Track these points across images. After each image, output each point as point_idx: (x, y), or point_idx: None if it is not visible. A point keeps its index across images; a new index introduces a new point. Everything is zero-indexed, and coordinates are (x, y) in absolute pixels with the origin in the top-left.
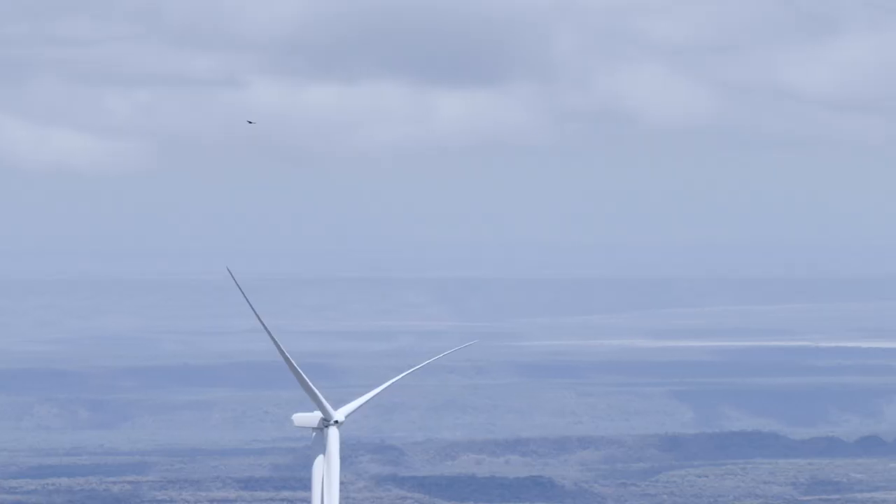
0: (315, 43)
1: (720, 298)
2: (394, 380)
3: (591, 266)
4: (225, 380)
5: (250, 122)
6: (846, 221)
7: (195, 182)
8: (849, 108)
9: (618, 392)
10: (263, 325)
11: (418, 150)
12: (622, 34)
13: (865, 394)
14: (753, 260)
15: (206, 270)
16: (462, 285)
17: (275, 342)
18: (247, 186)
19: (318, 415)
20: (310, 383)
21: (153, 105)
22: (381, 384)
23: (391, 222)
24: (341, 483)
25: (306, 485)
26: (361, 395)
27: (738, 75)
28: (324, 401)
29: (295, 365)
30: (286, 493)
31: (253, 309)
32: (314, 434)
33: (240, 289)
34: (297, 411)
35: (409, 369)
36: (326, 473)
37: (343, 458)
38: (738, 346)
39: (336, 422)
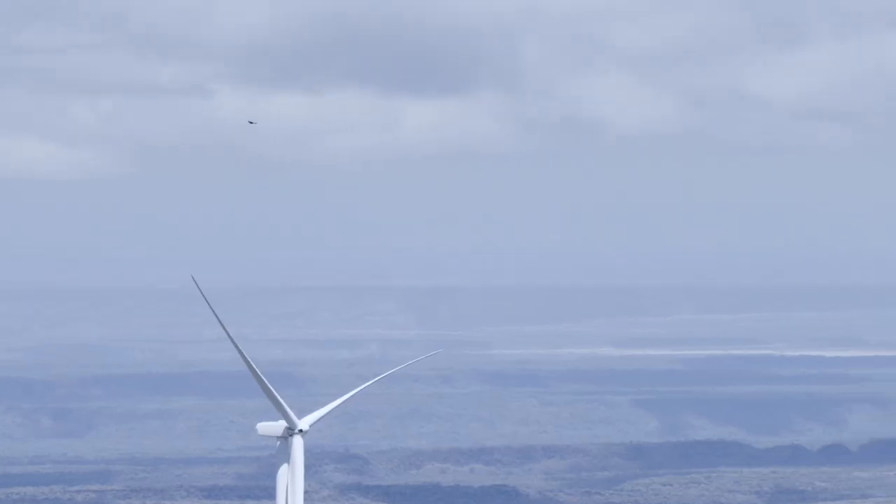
0: (281, 51)
1: (685, 307)
2: (358, 389)
3: (555, 274)
4: (190, 388)
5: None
6: (812, 230)
7: (161, 190)
8: (815, 116)
9: (582, 401)
10: (228, 333)
11: (385, 158)
12: (588, 42)
13: (829, 402)
14: (718, 269)
15: (171, 279)
16: (427, 294)
17: (239, 351)
18: (212, 195)
19: (282, 424)
20: (274, 392)
21: (119, 113)
22: (345, 393)
23: (357, 231)
24: (305, 492)
25: (271, 494)
26: (326, 403)
27: (704, 83)
28: (288, 410)
29: (259, 374)
30: (250, 502)
31: (217, 317)
32: (278, 443)
33: (204, 297)
34: (261, 420)
35: (373, 378)
36: (291, 482)
37: (307, 467)
38: (703, 355)
39: (300, 430)
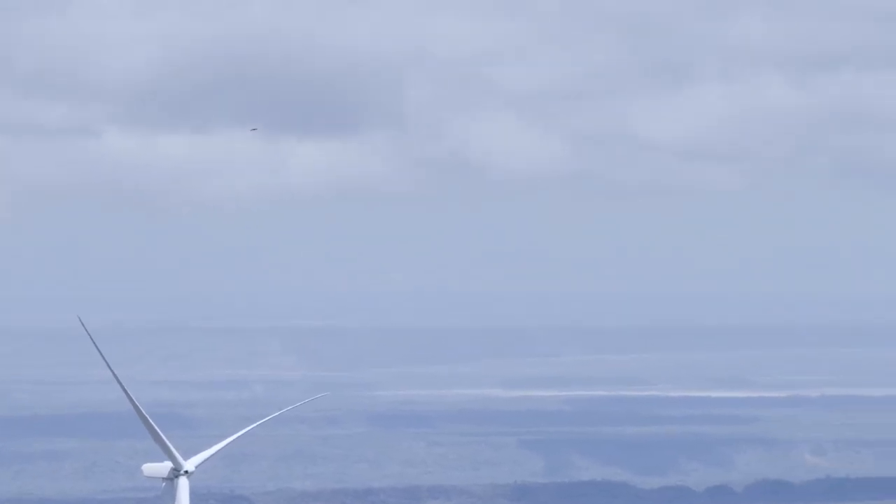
0: (168, 92)
1: (571, 348)
2: (244, 430)
3: (442, 315)
4: (76, 430)
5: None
6: (699, 271)
7: (47, 230)
8: (701, 157)
9: (468, 442)
10: (114, 374)
11: (272, 198)
12: (474, 83)
13: (715, 443)
14: (605, 310)
15: (57, 319)
16: (314, 335)
17: (125, 392)
18: (99, 235)
19: (168, 465)
20: (160, 433)
21: (5, 153)
22: (231, 434)
23: (243, 272)
24: None
25: None
26: (211, 445)
27: (590, 124)
28: (174, 451)
29: (145, 415)
30: None
31: (104, 358)
32: (164, 484)
33: (91, 338)
34: (147, 461)
35: (260, 419)
36: None
37: None
38: (589, 396)
39: (186, 472)
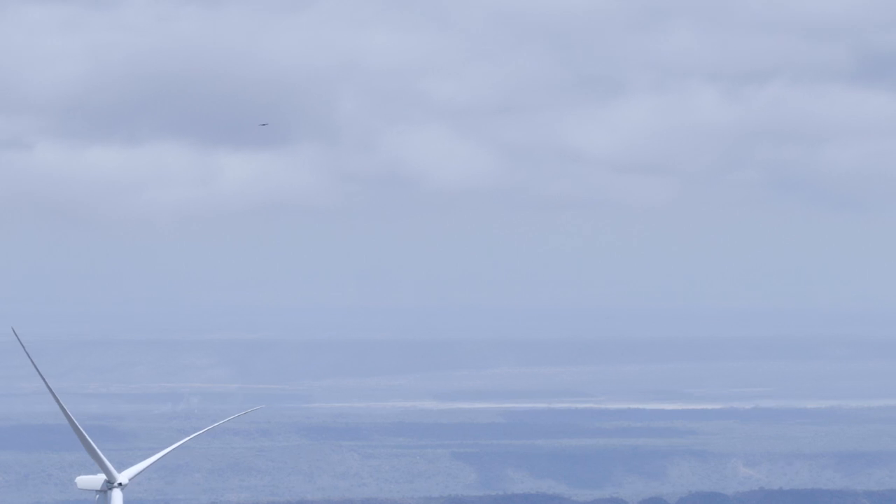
0: (98, 104)
1: (505, 360)
2: (178, 443)
3: (375, 328)
4: (8, 442)
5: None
6: (630, 283)
7: None
8: (632, 169)
9: (402, 454)
10: (48, 386)
11: (202, 212)
12: (406, 96)
13: (650, 455)
14: (539, 322)
15: None
16: (247, 347)
17: (59, 404)
18: (30, 248)
19: (101, 477)
20: (94, 445)
21: None
22: (165, 447)
23: (176, 284)
24: None
25: None
26: (145, 457)
27: (522, 137)
28: (107, 463)
29: (79, 427)
30: None
31: (38, 370)
32: (97, 496)
33: (24, 350)
34: (80, 473)
35: (194, 432)
36: None
37: None
38: (523, 408)
39: (120, 484)
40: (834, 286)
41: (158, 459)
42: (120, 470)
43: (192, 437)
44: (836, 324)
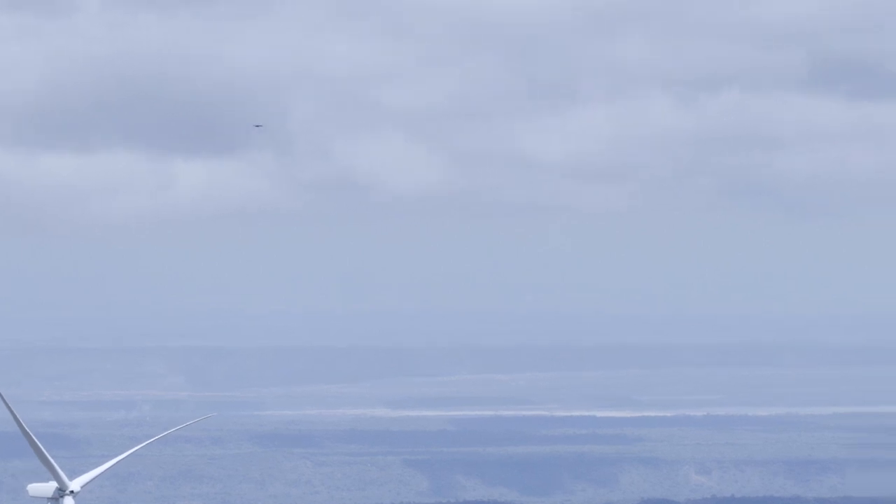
0: (49, 112)
1: (456, 367)
2: (130, 451)
3: (327, 335)
4: None
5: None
6: (583, 290)
7: None
8: (586, 176)
9: (354, 461)
10: None
11: (156, 219)
12: (359, 102)
13: (600, 462)
14: (490, 328)
15: None
16: (199, 355)
17: (11, 411)
18: None
19: (53, 485)
20: (45, 453)
21: None
22: (117, 455)
23: (127, 291)
24: None
25: None
26: (97, 465)
27: (476, 143)
28: (59, 470)
29: (31, 434)
30: None
31: None
32: None
33: None
34: (32, 481)
35: (146, 440)
36: None
37: None
38: (474, 416)
39: (72, 492)
40: (786, 293)
41: (110, 467)
42: (72, 477)
43: (144, 444)
44: (788, 331)
